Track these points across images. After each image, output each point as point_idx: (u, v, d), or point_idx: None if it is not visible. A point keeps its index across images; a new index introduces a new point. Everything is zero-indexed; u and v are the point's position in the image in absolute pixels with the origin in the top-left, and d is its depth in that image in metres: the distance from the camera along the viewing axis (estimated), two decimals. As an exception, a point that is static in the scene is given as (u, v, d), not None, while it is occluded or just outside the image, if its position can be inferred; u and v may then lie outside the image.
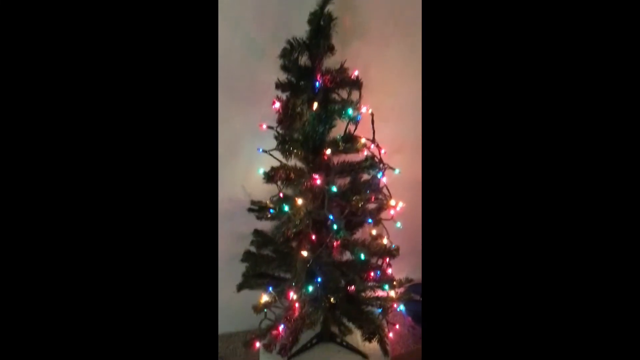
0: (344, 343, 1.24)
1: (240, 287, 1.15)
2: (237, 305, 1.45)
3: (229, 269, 1.20)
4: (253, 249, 1.13)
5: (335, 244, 0.89)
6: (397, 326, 1.26)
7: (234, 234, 1.22)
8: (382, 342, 1.02)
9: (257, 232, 1.17)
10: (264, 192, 1.12)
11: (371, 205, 0.96)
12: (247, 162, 1.08)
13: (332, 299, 0.97)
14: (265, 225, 1.19)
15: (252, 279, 1.13)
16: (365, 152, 0.91)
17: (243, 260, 1.11)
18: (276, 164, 0.95)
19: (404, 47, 0.98)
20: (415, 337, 1.42)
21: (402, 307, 1.16)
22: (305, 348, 1.23)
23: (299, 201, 0.88)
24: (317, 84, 0.78)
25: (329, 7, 0.76)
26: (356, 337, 1.27)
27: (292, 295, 0.92)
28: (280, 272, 1.13)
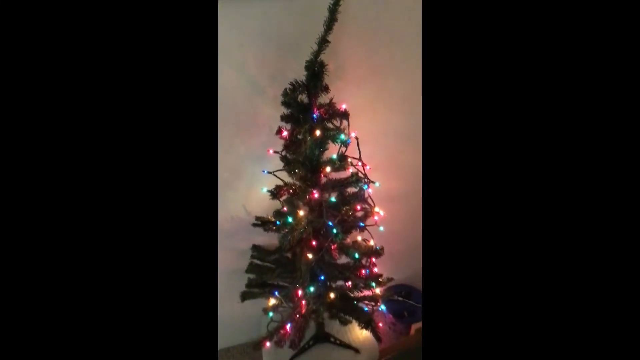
0: (338, 341, 1.39)
1: (243, 297, 1.27)
2: (232, 321, 1.56)
3: (228, 284, 1.32)
4: (255, 262, 1.27)
5: (333, 247, 1.06)
6: (380, 324, 1.43)
7: (233, 251, 1.35)
8: (374, 331, 1.19)
9: (255, 247, 1.31)
10: (263, 210, 1.29)
11: (358, 214, 1.15)
12: (249, 183, 1.24)
13: (332, 295, 1.13)
14: (262, 241, 1.34)
15: (254, 288, 1.26)
16: (351, 170, 1.11)
17: (248, 271, 1.24)
18: (275, 185, 1.12)
19: (375, 84, 1.21)
20: (396, 332, 1.60)
21: (383, 307, 1.34)
22: (303, 349, 1.37)
23: (301, 212, 1.05)
24: (314, 116, 0.97)
25: (321, 56, 0.97)
26: (348, 335, 1.43)
27: (300, 292, 1.07)
28: (280, 281, 1.27)
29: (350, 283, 1.14)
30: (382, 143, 1.32)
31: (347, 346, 1.38)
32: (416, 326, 1.53)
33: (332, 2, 0.92)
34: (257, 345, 1.18)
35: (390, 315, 1.61)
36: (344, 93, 1.16)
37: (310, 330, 1.38)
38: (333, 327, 1.44)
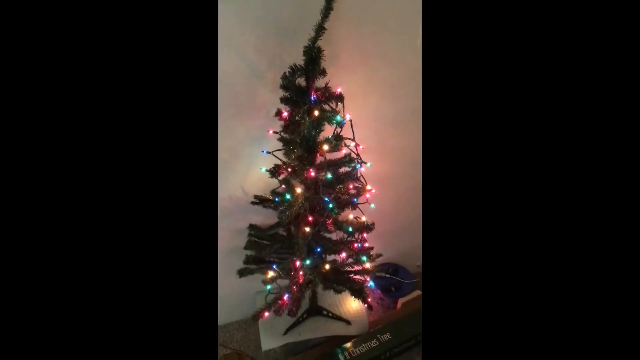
0: (330, 314, 1.48)
1: (241, 273, 1.33)
2: (227, 299, 1.62)
3: (224, 262, 1.38)
4: (253, 239, 1.33)
5: (328, 221, 1.14)
6: (370, 299, 1.52)
7: (231, 230, 1.41)
8: (365, 300, 1.28)
9: (251, 226, 1.38)
10: (258, 190, 1.35)
11: (351, 192, 1.23)
12: (247, 164, 1.30)
13: (326, 266, 1.21)
14: (258, 221, 1.40)
15: (252, 265, 1.33)
16: (344, 151, 1.19)
17: (246, 248, 1.30)
18: (272, 165, 1.18)
19: (366, 71, 1.29)
20: (384, 307, 1.70)
21: (371, 283, 1.44)
22: (297, 322, 1.45)
23: (298, 189, 1.13)
24: (312, 98, 1.04)
25: (317, 42, 1.04)
26: (339, 309, 1.52)
27: (298, 263, 1.15)
28: (276, 257, 1.34)
29: (344, 255, 1.22)
30: (372, 127, 1.40)
31: (339, 318, 1.47)
32: (402, 300, 1.63)
33: (328, -9, 0.98)
34: (256, 316, 1.25)
35: (379, 291, 1.71)
36: (336, 79, 1.23)
37: (304, 305, 1.46)
38: (325, 301, 1.52)
